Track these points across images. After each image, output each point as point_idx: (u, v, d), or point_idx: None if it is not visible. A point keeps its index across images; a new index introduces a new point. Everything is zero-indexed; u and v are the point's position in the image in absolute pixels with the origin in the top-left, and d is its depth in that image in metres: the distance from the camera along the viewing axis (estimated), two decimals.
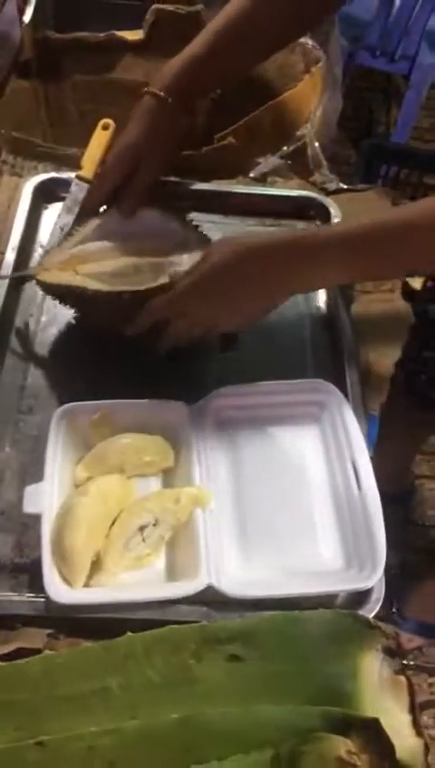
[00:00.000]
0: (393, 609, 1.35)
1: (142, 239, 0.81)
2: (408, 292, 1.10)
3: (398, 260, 0.66)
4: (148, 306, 0.74)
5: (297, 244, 0.68)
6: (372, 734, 0.51)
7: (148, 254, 0.80)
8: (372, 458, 0.70)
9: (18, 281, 0.86)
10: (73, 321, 0.85)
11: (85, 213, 0.84)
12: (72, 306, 0.81)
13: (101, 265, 0.79)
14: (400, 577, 1.42)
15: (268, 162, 1.06)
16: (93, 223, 0.83)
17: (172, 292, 0.73)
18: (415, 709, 0.55)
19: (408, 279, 1.57)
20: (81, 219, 0.84)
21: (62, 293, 0.78)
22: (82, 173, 0.92)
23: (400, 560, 1.46)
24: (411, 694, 0.56)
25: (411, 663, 1.37)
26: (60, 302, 0.81)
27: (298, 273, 0.69)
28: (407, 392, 1.14)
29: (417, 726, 0.55)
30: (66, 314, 0.86)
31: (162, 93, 0.79)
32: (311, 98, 1.15)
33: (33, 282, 0.86)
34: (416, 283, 1.40)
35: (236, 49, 0.81)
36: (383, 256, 0.66)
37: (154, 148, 0.81)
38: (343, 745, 0.49)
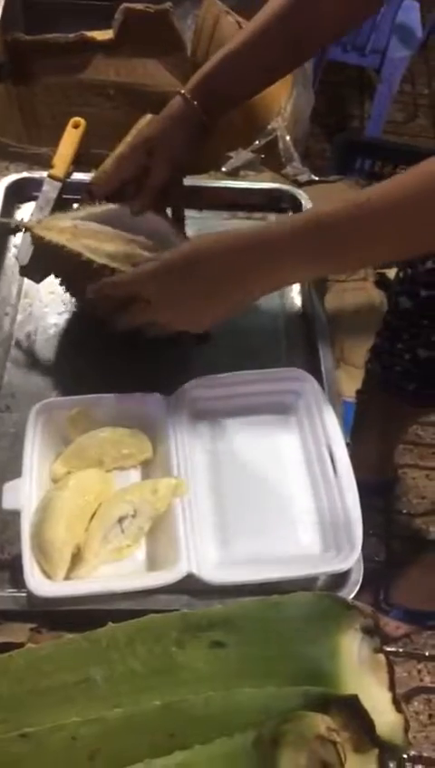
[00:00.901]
0: (380, 597, 1.36)
1: (145, 238, 0.80)
2: (383, 283, 1.11)
3: (351, 251, 0.64)
4: (110, 280, 0.72)
5: (253, 249, 0.66)
6: (352, 711, 0.52)
7: (146, 251, 0.79)
8: (348, 444, 0.71)
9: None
10: (48, 320, 0.86)
11: (95, 197, 0.83)
12: (55, 270, 0.80)
13: (98, 243, 0.77)
14: (385, 565, 1.43)
15: (240, 156, 1.07)
16: (103, 206, 0.82)
17: (134, 271, 0.72)
18: (395, 686, 0.56)
19: (384, 270, 1.59)
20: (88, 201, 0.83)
21: (55, 252, 0.76)
22: (53, 172, 0.93)
23: (385, 548, 1.47)
24: (391, 672, 0.56)
25: (400, 650, 1.38)
26: (37, 276, 0.80)
27: (256, 279, 0.67)
28: (383, 384, 1.15)
29: (396, 703, 0.55)
30: (42, 313, 0.87)
31: (189, 96, 0.79)
32: (281, 92, 1.17)
33: (9, 280, 0.86)
34: (391, 272, 1.41)
35: (268, 52, 0.79)
36: (336, 249, 0.64)
37: (168, 145, 0.80)
38: (322, 723, 0.50)
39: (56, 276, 0.81)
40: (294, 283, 0.74)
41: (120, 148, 0.91)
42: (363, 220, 0.61)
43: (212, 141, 1.02)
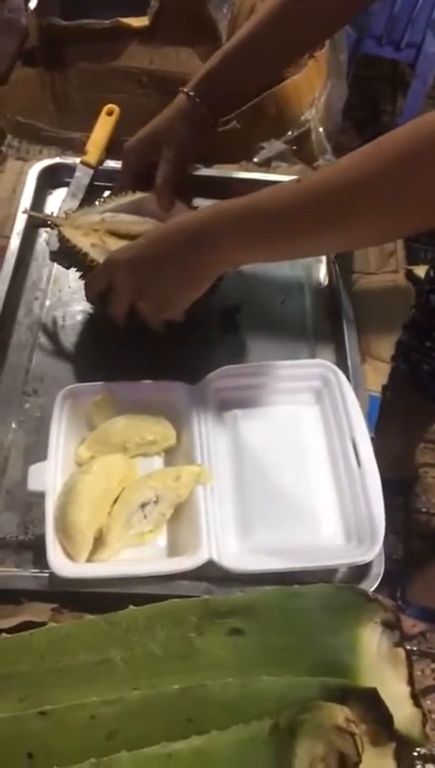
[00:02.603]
0: (397, 595, 1.35)
1: None
2: (412, 280, 1.10)
3: (285, 241, 0.64)
4: (88, 277, 0.75)
5: (196, 230, 0.67)
6: (371, 704, 0.52)
7: None
8: (372, 439, 0.71)
9: (25, 256, 0.88)
10: (76, 306, 0.86)
11: (115, 191, 0.84)
12: (78, 270, 0.80)
13: (123, 242, 0.78)
14: (403, 563, 1.42)
15: (272, 147, 1.06)
16: (131, 196, 0.83)
17: (103, 261, 0.73)
18: (413, 681, 0.56)
19: (412, 267, 1.57)
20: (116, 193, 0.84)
21: (77, 257, 0.77)
22: (86, 158, 0.93)
23: (403, 546, 1.46)
24: (410, 666, 0.56)
25: (414, 648, 1.38)
26: (65, 262, 0.81)
27: (199, 258, 0.68)
28: (410, 382, 1.14)
29: (415, 697, 0.55)
30: (70, 298, 0.87)
31: (192, 93, 0.80)
32: (315, 84, 1.15)
33: (39, 264, 0.87)
34: (420, 271, 1.40)
35: (268, 48, 0.80)
36: (268, 239, 0.64)
37: (175, 138, 0.81)
38: (341, 713, 0.50)
39: (77, 272, 0.82)
40: (246, 263, 0.73)
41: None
42: (288, 202, 0.62)
43: (243, 130, 1.02)
